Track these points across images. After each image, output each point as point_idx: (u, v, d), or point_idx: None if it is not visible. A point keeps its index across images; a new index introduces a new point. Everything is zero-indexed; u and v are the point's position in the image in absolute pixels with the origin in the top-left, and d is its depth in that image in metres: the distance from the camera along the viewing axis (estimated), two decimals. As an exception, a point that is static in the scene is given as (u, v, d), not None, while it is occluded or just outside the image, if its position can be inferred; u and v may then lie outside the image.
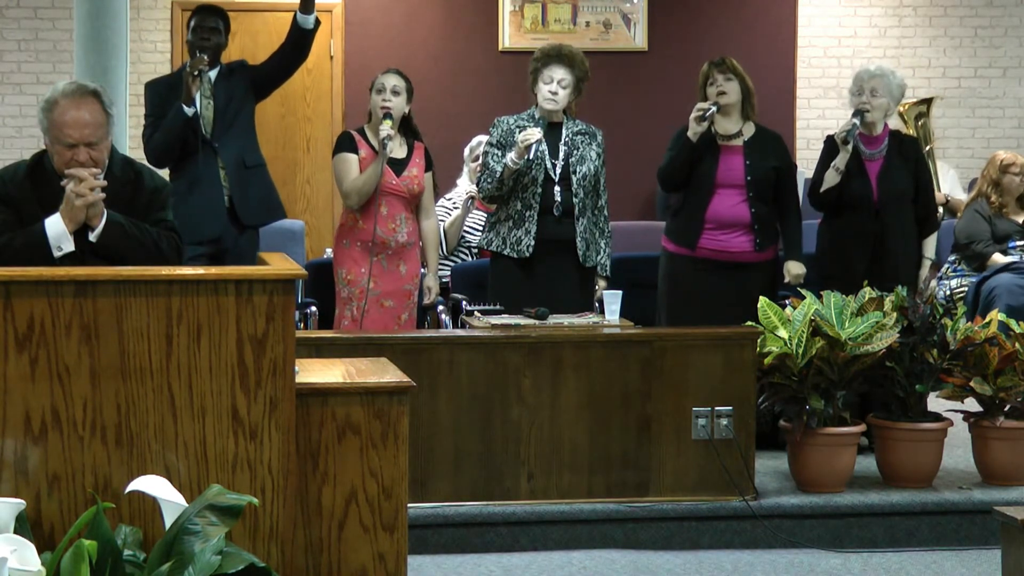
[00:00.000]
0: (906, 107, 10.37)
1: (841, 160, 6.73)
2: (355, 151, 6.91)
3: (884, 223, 6.77)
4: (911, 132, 10.29)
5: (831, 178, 6.76)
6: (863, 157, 6.83)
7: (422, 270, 7.09)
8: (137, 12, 10.09)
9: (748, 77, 6.79)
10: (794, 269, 6.77)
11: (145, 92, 7.15)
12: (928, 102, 10.55)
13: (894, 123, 9.85)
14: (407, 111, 6.96)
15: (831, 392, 5.95)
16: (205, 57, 6.89)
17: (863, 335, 5.87)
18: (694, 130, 6.61)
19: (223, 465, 3.72)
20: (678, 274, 6.75)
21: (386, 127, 6.78)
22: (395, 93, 6.89)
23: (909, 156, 6.92)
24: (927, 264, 6.93)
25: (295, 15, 6.99)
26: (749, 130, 6.80)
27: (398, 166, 6.92)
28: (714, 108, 6.63)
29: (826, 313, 5.93)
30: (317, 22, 7.04)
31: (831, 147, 6.85)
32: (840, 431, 5.97)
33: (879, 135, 6.89)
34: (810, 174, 7.38)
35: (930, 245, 6.97)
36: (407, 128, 7.02)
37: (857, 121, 6.76)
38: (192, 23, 7.09)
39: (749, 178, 6.68)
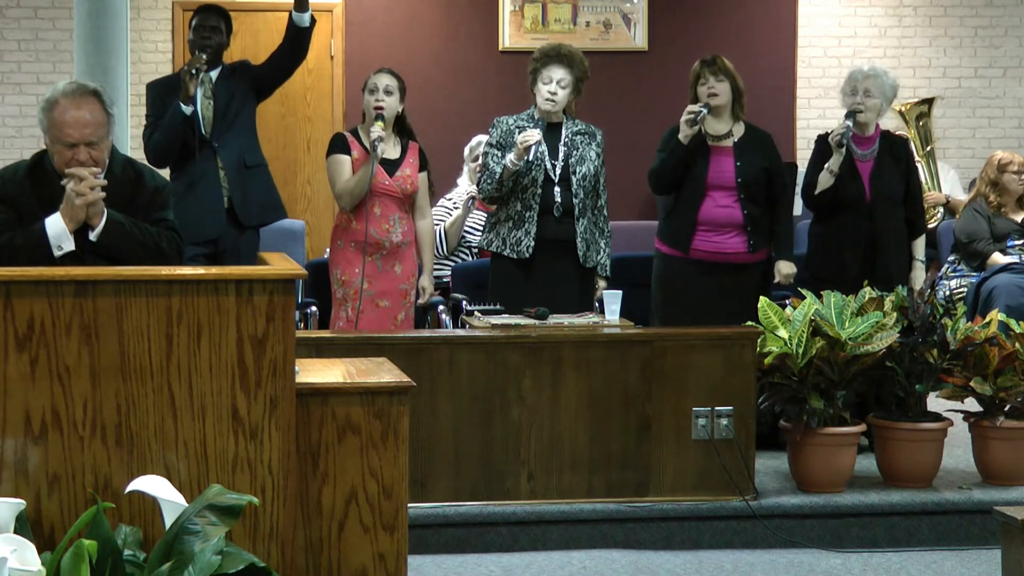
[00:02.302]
0: (907, 107, 10.37)
1: (835, 162, 6.73)
2: (348, 152, 6.91)
3: (876, 224, 6.77)
4: (912, 132, 10.29)
5: (825, 180, 6.76)
6: (855, 158, 6.83)
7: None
8: (137, 12, 10.09)
9: (739, 77, 6.78)
10: (784, 269, 6.76)
11: (146, 92, 7.16)
12: (929, 102, 10.55)
13: (894, 123, 9.89)
14: (400, 110, 6.95)
15: (831, 392, 5.94)
16: (203, 56, 6.88)
17: (863, 335, 5.87)
18: (685, 132, 6.60)
19: (223, 465, 3.72)
20: (671, 276, 6.74)
21: (377, 128, 6.78)
22: (388, 93, 6.88)
23: (900, 157, 6.93)
24: (919, 266, 6.92)
25: (290, 14, 6.99)
26: (739, 130, 6.79)
27: (391, 166, 6.91)
28: (705, 110, 6.61)
29: (826, 313, 5.93)
30: (313, 20, 7.03)
31: (823, 147, 6.84)
32: (840, 431, 5.97)
33: (871, 135, 6.90)
34: (809, 174, 7.37)
35: (919, 247, 6.96)
36: (401, 128, 7.01)
37: (850, 123, 6.76)
38: (194, 23, 7.10)
39: (740, 179, 6.67)
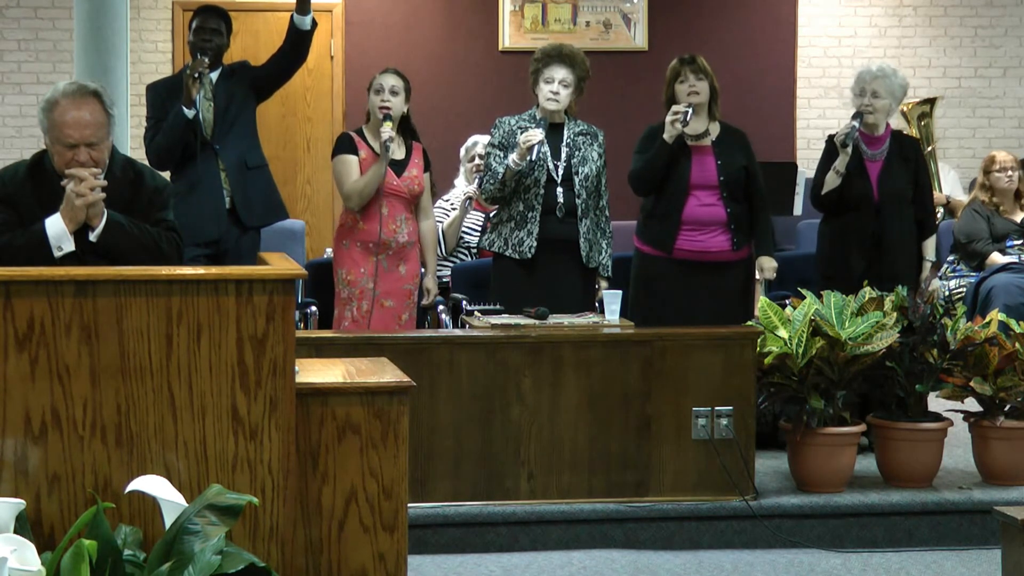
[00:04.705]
0: (909, 107, 10.37)
1: (841, 163, 6.73)
2: (355, 152, 6.91)
3: (884, 223, 6.77)
4: (914, 132, 10.29)
5: (832, 180, 6.76)
6: (864, 157, 6.83)
7: (421, 270, 7.09)
8: (137, 12, 10.10)
9: (715, 77, 6.78)
10: (767, 265, 6.77)
11: (146, 94, 7.14)
12: (931, 102, 10.55)
13: (896, 123, 9.89)
14: (406, 111, 6.96)
15: (831, 392, 5.95)
16: (206, 59, 6.87)
17: (863, 335, 5.87)
18: (670, 132, 6.59)
19: (223, 465, 3.72)
20: (653, 276, 6.72)
21: (387, 129, 6.78)
22: (394, 93, 6.88)
23: (910, 157, 6.92)
24: (927, 266, 6.93)
25: (292, 16, 6.99)
26: (716, 129, 6.78)
27: (398, 167, 6.92)
28: (690, 110, 6.61)
29: (826, 313, 5.93)
30: (314, 23, 7.02)
31: (832, 147, 6.85)
32: (840, 431, 5.97)
33: (881, 135, 6.90)
34: (811, 174, 7.37)
35: (930, 247, 6.97)
36: (405, 128, 7.02)
37: (856, 123, 6.76)
38: (193, 24, 7.08)
39: (722, 178, 6.66)
